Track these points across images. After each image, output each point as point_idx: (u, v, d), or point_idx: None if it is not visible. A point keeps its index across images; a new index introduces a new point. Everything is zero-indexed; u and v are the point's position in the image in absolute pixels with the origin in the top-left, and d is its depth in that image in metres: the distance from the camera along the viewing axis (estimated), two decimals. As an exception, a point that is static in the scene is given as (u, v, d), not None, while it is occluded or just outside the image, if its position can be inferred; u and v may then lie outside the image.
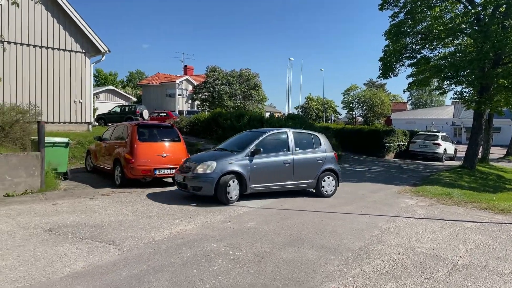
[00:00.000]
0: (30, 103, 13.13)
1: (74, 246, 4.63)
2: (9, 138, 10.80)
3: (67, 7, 15.06)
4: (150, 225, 5.74)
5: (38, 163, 7.90)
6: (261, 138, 8.02)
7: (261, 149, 7.70)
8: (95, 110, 20.34)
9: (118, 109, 25.76)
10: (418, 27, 16.04)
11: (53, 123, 14.79)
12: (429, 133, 24.00)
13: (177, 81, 40.55)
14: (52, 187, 8.17)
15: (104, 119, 24.68)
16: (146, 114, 25.35)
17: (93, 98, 19.69)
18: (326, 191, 8.62)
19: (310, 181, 8.47)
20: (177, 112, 33.22)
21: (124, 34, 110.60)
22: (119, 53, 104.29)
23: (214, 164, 7.33)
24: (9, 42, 13.67)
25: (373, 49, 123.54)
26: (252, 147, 7.75)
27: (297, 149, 8.37)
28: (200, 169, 7.32)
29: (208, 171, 7.25)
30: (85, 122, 16.15)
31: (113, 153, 9.43)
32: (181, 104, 40.59)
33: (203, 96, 33.30)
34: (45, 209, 6.50)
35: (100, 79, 60.80)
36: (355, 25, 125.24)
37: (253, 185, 7.63)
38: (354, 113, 64.64)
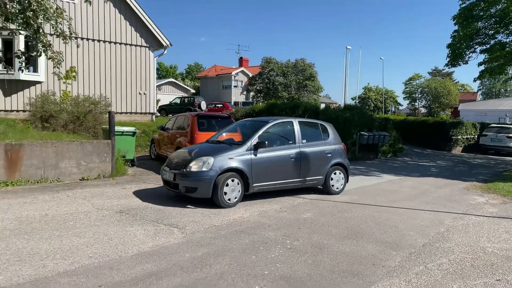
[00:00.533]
0: (101, 95, 14.22)
1: (142, 228, 4.97)
2: (83, 127, 11.84)
3: (133, 4, 15.95)
4: (211, 211, 5.98)
5: (109, 150, 8.56)
6: (264, 129, 6.90)
7: (266, 142, 6.62)
8: (157, 101, 21.47)
9: (178, 101, 26.95)
10: (492, 10, 14.66)
11: (120, 113, 15.88)
12: (503, 125, 21.99)
13: (233, 73, 41.25)
14: (121, 172, 8.83)
15: (165, 110, 25.97)
16: (203, 105, 26.24)
17: (156, 90, 20.76)
18: (335, 188, 7.68)
19: (318, 177, 7.46)
20: (232, 103, 33.89)
21: (183, 28, 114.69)
22: (179, 46, 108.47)
23: (211, 160, 6.16)
24: (82, 39, 14.83)
25: (439, 35, 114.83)
26: (254, 139, 6.64)
27: (304, 141, 7.31)
28: (194, 166, 6.16)
29: (204, 169, 6.09)
30: (149, 113, 17.12)
31: (175, 142, 9.94)
32: (237, 95, 41.30)
33: (258, 87, 33.58)
34: (115, 192, 7.05)
35: (162, 72, 63.88)
36: (419, 9, 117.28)
37: (257, 184, 6.57)
38: (416, 103, 61.06)
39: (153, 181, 8.38)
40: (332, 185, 7.66)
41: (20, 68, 9.57)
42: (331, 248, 4.54)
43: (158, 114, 25.26)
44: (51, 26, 8.50)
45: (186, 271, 3.70)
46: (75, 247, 4.18)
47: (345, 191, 7.97)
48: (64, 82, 12.75)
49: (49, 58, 8.85)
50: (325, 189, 7.68)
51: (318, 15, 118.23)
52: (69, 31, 8.89)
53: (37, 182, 7.57)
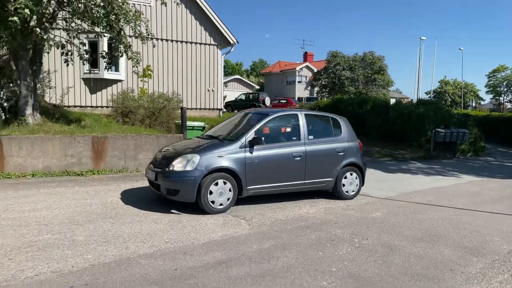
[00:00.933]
0: (173, 92, 15.08)
1: (212, 218, 5.20)
2: (158, 122, 12.66)
3: (202, 4, 16.60)
4: (275, 205, 6.04)
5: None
6: (262, 123, 5.99)
7: (263, 138, 5.71)
8: (224, 97, 22.17)
9: (243, 97, 27.56)
10: None
11: (191, 109, 16.67)
12: None
13: (297, 68, 40.99)
14: (191, 165, 9.30)
15: (231, 105, 26.73)
16: (267, 101, 26.51)
17: (223, 87, 21.44)
18: (347, 192, 6.66)
19: (327, 179, 6.46)
20: (296, 99, 33.71)
21: (248, 25, 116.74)
22: (244, 44, 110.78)
23: (196, 158, 5.35)
24: (157, 39, 15.80)
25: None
26: (250, 135, 5.72)
27: (311, 137, 6.35)
28: (178, 165, 5.37)
29: (188, 168, 5.29)
30: (217, 109, 17.76)
31: (241, 137, 10.18)
32: (301, 91, 40.99)
33: (323, 83, 32.96)
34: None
35: (228, 69, 65.72)
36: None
37: (251, 187, 5.69)
38: (501, 98, 55.11)
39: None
40: (344, 189, 6.63)
41: (105, 67, 10.53)
42: (403, 249, 4.32)
43: (225, 109, 26.11)
44: (130, 28, 9.20)
45: (254, 262, 3.80)
46: (153, 232, 4.51)
47: (418, 192, 7.51)
48: (141, 80, 13.75)
49: (129, 58, 9.60)
50: (335, 193, 6.65)
51: (387, 4, 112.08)
52: (146, 32, 9.56)
53: (119, 172, 8.30)
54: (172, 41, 16.42)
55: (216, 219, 5.17)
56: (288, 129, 6.53)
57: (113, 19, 8.47)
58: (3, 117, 8.12)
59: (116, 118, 12.43)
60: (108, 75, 14.35)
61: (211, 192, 5.32)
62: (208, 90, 17.41)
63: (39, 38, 7.68)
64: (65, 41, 9.61)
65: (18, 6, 6.54)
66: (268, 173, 5.87)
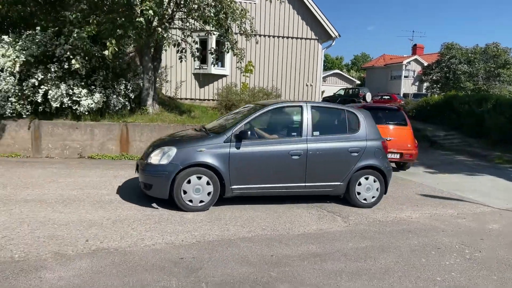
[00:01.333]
0: (272, 86, 15.47)
1: (307, 211, 5.24)
2: (257, 115, 13.16)
3: (306, -2, 16.58)
4: (376, 205, 5.79)
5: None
6: (255, 115, 5.31)
7: (249, 132, 5.04)
8: (322, 92, 21.89)
9: (342, 92, 26.83)
10: None
11: (288, 103, 16.89)
12: None
13: (404, 62, 38.06)
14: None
15: (329, 101, 26.26)
16: (368, 96, 25.28)
17: (321, 82, 21.20)
18: (365, 200, 5.66)
19: (335, 183, 5.52)
20: (401, 95, 31.41)
21: (349, 17, 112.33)
22: (345, 37, 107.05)
23: (173, 151, 4.90)
24: (260, 35, 16.35)
25: None
26: (237, 128, 5.09)
27: (316, 133, 5.46)
28: (154, 158, 4.97)
29: (162, 162, 4.85)
30: (314, 104, 17.65)
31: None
32: (407, 86, 38.01)
33: (434, 77, 30.04)
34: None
35: (327, 64, 64.56)
36: None
37: (237, 186, 5.07)
38: None
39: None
40: (360, 196, 5.65)
41: (212, 63, 11.34)
42: (527, 269, 3.75)
43: (323, 105, 25.84)
44: (236, 26, 9.69)
45: (350, 259, 3.73)
46: (251, 218, 4.76)
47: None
48: (243, 75, 14.42)
49: (235, 55, 10.14)
50: (348, 200, 5.73)
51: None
52: (250, 30, 9.97)
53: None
54: (273, 36, 16.79)
55: (311, 212, 5.19)
56: (289, 124, 5.91)
57: (222, 17, 9.04)
58: (129, 106, 9.35)
59: (221, 110, 13.30)
60: (215, 70, 15.40)
61: (186, 189, 4.84)
62: (307, 85, 17.39)
63: (160, 37, 8.62)
64: (180, 39, 10.61)
65: (144, 8, 7.44)
66: (258, 173, 5.17)
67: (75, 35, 7.48)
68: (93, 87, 8.41)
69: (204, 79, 15.86)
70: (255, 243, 3.96)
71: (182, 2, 9.26)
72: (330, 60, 66.13)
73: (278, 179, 5.26)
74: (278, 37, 16.83)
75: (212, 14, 8.98)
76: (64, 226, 4.10)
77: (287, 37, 16.92)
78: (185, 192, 4.85)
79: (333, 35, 17.12)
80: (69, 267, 3.20)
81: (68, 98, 8.05)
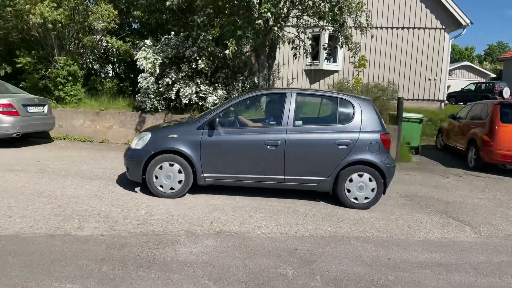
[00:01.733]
0: (389, 81, 14.53)
1: (428, 217, 4.82)
2: (371, 112, 12.55)
3: (431, -17, 15.08)
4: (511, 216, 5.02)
5: (395, 135, 8.70)
6: (231, 103, 5.24)
7: (218, 120, 4.91)
8: (447, 87, 19.58)
9: (472, 87, 23.67)
10: None
11: (406, 99, 15.62)
12: None
13: (557, 50, 31.53)
14: (405, 159, 8.82)
15: (455, 97, 23.49)
16: (507, 92, 21.72)
17: (447, 75, 19.07)
18: (355, 199, 4.97)
19: (319, 178, 4.96)
20: (551, 90, 26.10)
21: (483, 2, 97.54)
22: (477, 25, 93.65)
23: (147, 136, 5.06)
24: (375, 27, 15.50)
25: None
26: (212, 115, 4.99)
27: (299, 123, 5.02)
28: (134, 142, 5.21)
29: (137, 147, 5.06)
30: (438, 100, 15.99)
31: (468, 133, 8.86)
32: (561, 79, 31.43)
33: None
34: (400, 177, 7.11)
35: (455, 55, 57.59)
36: None
37: (209, 174, 4.97)
38: None
39: (439, 172, 7.87)
40: (349, 193, 4.98)
41: (325, 58, 11.21)
42: None
43: (447, 101, 23.18)
44: (351, 20, 9.37)
45: (481, 274, 3.32)
46: (365, 218, 4.60)
47: None
48: (356, 70, 13.89)
49: (349, 49, 9.84)
50: (338, 197, 5.06)
51: None
52: (366, 23, 9.52)
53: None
54: (391, 28, 15.75)
55: (433, 219, 4.76)
56: (271, 112, 5.66)
57: (337, 12, 8.86)
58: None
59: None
60: (327, 66, 15.21)
61: (158, 174, 4.95)
62: (429, 79, 15.86)
63: (275, 36, 8.91)
64: (294, 36, 10.78)
65: (262, 11, 7.79)
66: (230, 162, 5.02)
67: (201, 37, 8.28)
68: (216, 84, 9.20)
69: (315, 75, 15.82)
70: (370, 244, 3.83)
71: (297, 0, 9.38)
72: (457, 51, 58.95)
73: (253, 170, 5.04)
74: (396, 28, 15.75)
75: (327, 9, 8.88)
76: (193, 208, 4.62)
77: (407, 28, 15.71)
78: (156, 177, 4.97)
79: (463, 23, 15.23)
80: (198, 244, 3.61)
81: (195, 95, 8.99)
